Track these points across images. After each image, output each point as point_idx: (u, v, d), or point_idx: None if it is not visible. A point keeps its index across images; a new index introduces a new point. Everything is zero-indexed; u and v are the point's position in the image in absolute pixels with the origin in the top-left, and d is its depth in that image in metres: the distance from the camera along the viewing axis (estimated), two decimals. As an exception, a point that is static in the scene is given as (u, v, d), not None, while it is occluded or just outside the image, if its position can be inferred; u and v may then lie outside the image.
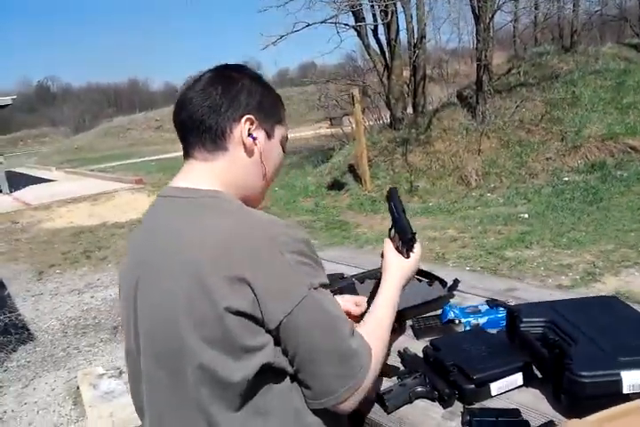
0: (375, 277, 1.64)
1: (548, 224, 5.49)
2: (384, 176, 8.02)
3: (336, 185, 8.41)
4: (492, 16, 8.05)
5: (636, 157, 7.11)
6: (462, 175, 7.53)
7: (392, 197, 1.15)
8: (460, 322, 1.30)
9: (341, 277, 1.61)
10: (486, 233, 5.46)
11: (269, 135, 0.99)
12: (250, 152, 0.96)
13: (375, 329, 0.95)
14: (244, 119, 0.94)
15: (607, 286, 3.94)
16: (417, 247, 1.09)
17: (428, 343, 1.18)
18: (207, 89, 0.94)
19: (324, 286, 0.86)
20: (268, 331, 0.81)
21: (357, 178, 8.16)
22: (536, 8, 10.04)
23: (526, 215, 5.89)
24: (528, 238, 5.07)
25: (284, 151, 1.04)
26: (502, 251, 4.85)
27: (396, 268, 1.07)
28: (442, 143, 8.09)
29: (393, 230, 1.12)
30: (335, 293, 1.51)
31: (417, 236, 1.08)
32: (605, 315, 1.14)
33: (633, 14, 12.82)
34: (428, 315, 1.36)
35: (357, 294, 1.47)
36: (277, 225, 0.86)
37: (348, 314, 1.25)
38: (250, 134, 0.95)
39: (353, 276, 1.62)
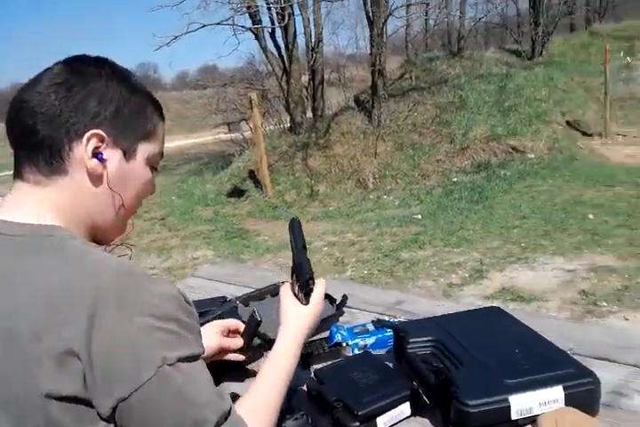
0: (260, 298, 1.53)
1: (439, 224, 5.70)
2: (285, 181, 7.95)
3: (236, 192, 8.20)
4: (385, 21, 8.28)
5: (517, 157, 7.63)
6: (360, 178, 7.66)
7: (292, 229, 0.99)
8: (347, 345, 1.23)
9: (223, 300, 1.48)
10: (383, 235, 5.55)
11: (128, 155, 0.76)
12: (95, 178, 0.74)
13: (258, 408, 0.76)
14: (87, 135, 0.72)
15: (493, 282, 4.13)
16: (317, 291, 0.93)
17: (313, 375, 1.09)
18: (47, 90, 0.72)
19: (189, 358, 0.65)
20: (103, 419, 0.62)
21: (258, 184, 8.01)
22: (426, 14, 10.50)
23: (419, 216, 6.08)
24: (421, 239, 5.22)
25: (153, 170, 0.83)
26: (398, 253, 4.95)
27: (293, 317, 0.90)
28: (340, 147, 8.18)
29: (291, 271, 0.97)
30: (215, 319, 1.38)
31: (316, 276, 0.94)
32: (490, 329, 1.12)
33: (513, 22, 13.85)
34: (313, 339, 1.27)
35: (239, 319, 1.35)
36: (129, 276, 0.66)
37: (225, 351, 1.13)
38: (96, 154, 0.73)
39: (237, 298, 1.49)
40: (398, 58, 12.65)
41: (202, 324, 1.33)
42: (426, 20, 11.55)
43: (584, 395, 0.88)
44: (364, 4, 8.38)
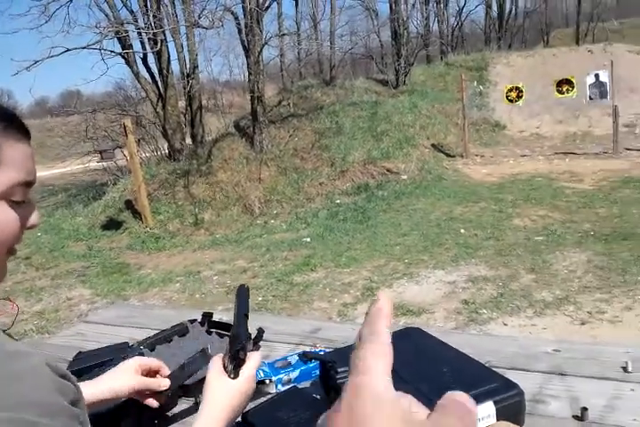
0: (167, 340, 1.42)
1: (328, 246, 5.82)
2: (166, 210, 7.63)
3: (112, 224, 7.67)
4: (261, 50, 8.42)
5: (392, 178, 8.09)
6: (246, 204, 7.60)
7: (239, 296, 0.92)
8: (271, 381, 1.17)
9: (125, 347, 1.35)
10: (274, 260, 5.53)
11: None
12: None
13: None
14: None
15: (384, 299, 4.29)
16: (249, 364, 0.82)
17: (240, 418, 1.02)
18: None
19: None
20: None
21: (137, 214, 7.58)
22: (299, 44, 10.87)
23: (308, 239, 6.16)
24: (312, 262, 5.28)
25: (14, 204, 0.66)
26: (291, 276, 4.95)
27: (216, 393, 0.78)
28: (224, 173, 8.08)
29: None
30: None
31: (251, 346, 0.86)
32: (415, 351, 1.13)
33: (377, 53, 14.85)
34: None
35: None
36: None
37: (142, 392, 1.00)
38: None
39: (140, 343, 1.37)
40: (274, 85, 12.92)
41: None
42: (299, 50, 11.97)
43: (513, 407, 0.92)
44: (239, 32, 8.47)
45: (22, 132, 0.66)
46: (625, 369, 1.11)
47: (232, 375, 0.80)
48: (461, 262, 4.85)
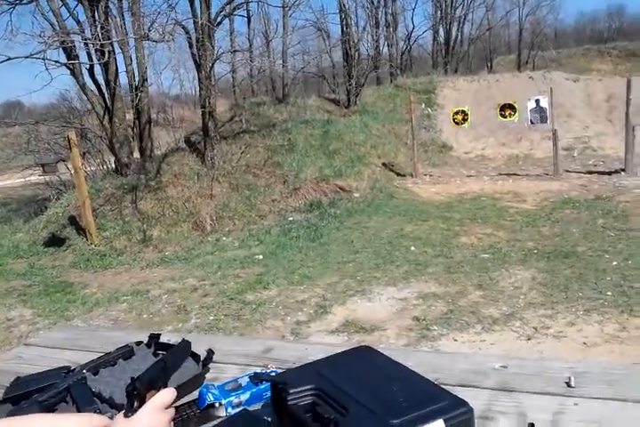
0: (112, 363, 1.36)
1: (281, 263, 5.79)
2: (113, 227, 7.38)
3: (55, 241, 7.34)
4: (213, 65, 8.39)
5: (345, 196, 8.18)
6: (197, 221, 7.46)
7: (177, 348, 0.92)
8: (220, 404, 1.14)
9: (67, 371, 1.28)
10: (226, 278, 5.44)
11: None
12: None
13: None
14: None
15: (337, 316, 4.29)
16: (149, 403, 0.75)
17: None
18: None
19: None
20: None
21: (81, 231, 7.30)
22: (251, 61, 10.91)
23: (261, 256, 6.11)
24: (265, 279, 5.23)
25: None
26: (243, 295, 4.88)
27: None
28: (174, 189, 7.92)
29: None
30: (58, 395, 1.19)
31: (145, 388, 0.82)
32: (365, 370, 1.13)
33: (329, 73, 15.10)
34: (181, 402, 1.16)
35: (90, 391, 1.18)
36: None
37: None
38: None
39: (83, 366, 1.30)
40: (226, 101, 12.88)
41: (44, 400, 1.13)
42: (251, 67, 12.01)
43: (463, 425, 0.92)
44: (190, 46, 8.42)
45: None
46: (568, 384, 1.14)
47: (129, 414, 0.73)
48: (412, 279, 4.93)
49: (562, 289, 4.34)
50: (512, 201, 7.72)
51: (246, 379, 1.21)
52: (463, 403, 0.96)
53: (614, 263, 4.78)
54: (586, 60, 23.62)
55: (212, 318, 4.37)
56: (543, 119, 9.11)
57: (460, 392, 1.07)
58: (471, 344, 3.57)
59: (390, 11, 18.30)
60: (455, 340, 3.66)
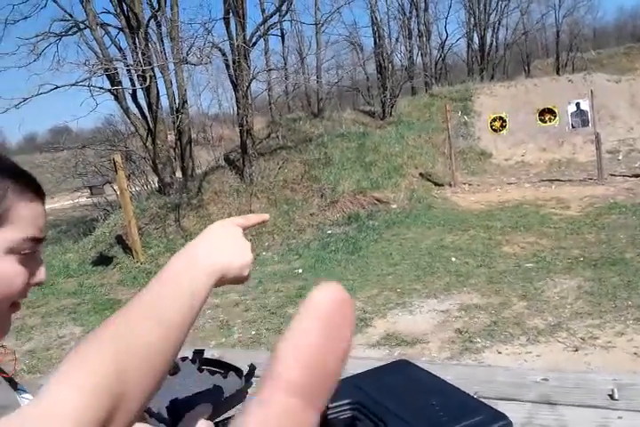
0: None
1: (320, 276, 5.81)
2: (157, 245, 7.61)
3: (103, 260, 7.63)
4: (249, 85, 8.60)
5: (382, 208, 8.16)
6: (237, 236, 7.59)
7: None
8: (263, 418, 1.17)
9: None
10: (267, 293, 5.51)
11: None
12: None
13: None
14: None
15: (377, 329, 4.27)
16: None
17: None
18: None
19: None
20: None
21: (127, 249, 7.55)
22: (286, 78, 11.13)
23: (300, 270, 6.16)
24: (305, 293, 5.21)
25: (27, 257, 0.69)
26: (284, 309, 4.93)
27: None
28: (214, 206, 8.11)
29: None
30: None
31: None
32: (404, 383, 1.14)
33: (363, 86, 15.21)
34: (223, 417, 1.19)
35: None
36: None
37: None
38: None
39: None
40: (263, 118, 13.14)
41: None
42: (286, 84, 12.24)
43: (502, 438, 0.93)
44: (227, 67, 8.67)
45: (37, 192, 0.73)
46: (611, 397, 1.12)
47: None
48: (453, 291, 4.86)
49: (610, 298, 4.20)
50: (555, 208, 7.52)
51: (287, 393, 1.24)
52: (502, 416, 0.97)
53: (666, 270, 4.60)
54: (628, 59, 22.92)
55: (253, 332, 4.43)
56: (585, 123, 8.88)
57: (500, 406, 1.07)
58: (516, 356, 3.49)
59: (422, 20, 18.30)
60: (499, 352, 3.59)
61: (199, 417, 0.86)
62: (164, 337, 0.51)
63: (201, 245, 0.63)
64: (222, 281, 0.64)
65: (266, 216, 0.79)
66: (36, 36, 8.90)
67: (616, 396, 1.12)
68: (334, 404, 1.08)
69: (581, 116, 8.89)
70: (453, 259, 5.75)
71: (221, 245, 0.65)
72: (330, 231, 7.59)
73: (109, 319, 0.49)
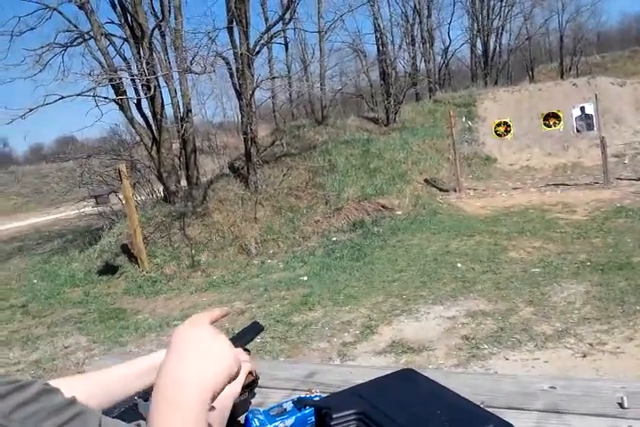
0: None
1: (326, 284, 5.79)
2: (162, 253, 7.61)
3: (109, 269, 7.63)
4: (253, 93, 8.63)
5: (387, 214, 8.14)
6: (242, 244, 7.60)
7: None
8: (266, 429, 1.16)
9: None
10: (272, 300, 5.49)
11: None
12: None
13: None
14: None
15: (383, 336, 4.24)
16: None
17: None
18: None
19: None
20: None
21: (133, 258, 7.56)
22: (290, 86, 11.17)
23: (306, 278, 6.13)
24: (310, 300, 5.24)
25: None
26: (289, 317, 4.91)
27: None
28: (219, 214, 8.12)
29: None
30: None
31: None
32: (408, 393, 1.12)
33: (367, 92, 15.23)
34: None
35: (141, 417, 1.22)
36: None
37: None
38: None
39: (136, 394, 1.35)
40: (267, 126, 13.19)
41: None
42: (290, 91, 12.29)
43: (508, 449, 0.91)
44: (231, 76, 8.71)
45: None
46: (621, 405, 1.10)
47: None
48: (460, 297, 4.83)
49: (618, 303, 4.15)
50: (561, 212, 7.48)
51: (291, 404, 1.23)
52: (508, 426, 0.95)
53: (675, 274, 4.54)
54: (633, 62, 22.90)
55: (259, 340, 4.40)
56: (590, 126, 8.86)
57: (507, 415, 1.06)
58: (524, 363, 3.45)
59: (426, 27, 18.36)
60: (507, 358, 3.55)
61: None
62: None
63: (189, 370, 0.57)
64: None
65: (227, 309, 0.77)
66: (42, 47, 8.98)
67: (625, 404, 1.09)
68: (338, 414, 1.07)
69: (586, 120, 8.86)
70: (459, 265, 5.72)
71: (204, 362, 0.59)
72: (335, 238, 7.57)
73: None
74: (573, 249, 5.73)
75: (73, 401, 0.52)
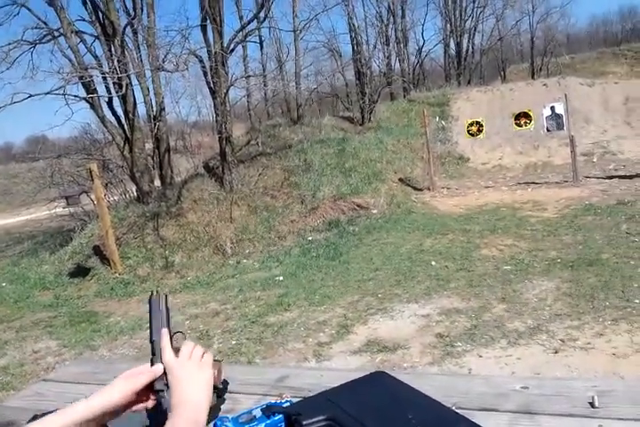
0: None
1: (302, 283, 5.76)
2: (136, 254, 7.47)
3: (80, 271, 7.46)
4: (227, 91, 8.55)
5: (363, 213, 8.16)
6: (217, 244, 7.52)
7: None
8: (235, 437, 1.13)
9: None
10: (247, 301, 5.44)
11: None
12: None
13: None
14: None
15: (359, 335, 4.24)
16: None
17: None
18: None
19: None
20: None
21: (105, 260, 7.40)
22: (265, 85, 11.10)
23: (281, 277, 6.10)
24: (286, 301, 5.21)
25: None
26: (265, 317, 4.87)
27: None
28: (194, 214, 8.02)
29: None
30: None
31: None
32: (379, 397, 1.11)
33: (342, 92, 15.25)
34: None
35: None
36: None
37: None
38: None
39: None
40: (243, 125, 13.08)
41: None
42: (265, 90, 12.21)
43: (479, 452, 0.90)
44: (205, 74, 8.61)
45: None
46: (592, 405, 1.11)
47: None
48: (434, 295, 4.86)
49: (588, 299, 4.23)
50: (532, 210, 7.60)
51: (259, 411, 1.20)
52: (478, 429, 0.94)
53: (642, 270, 4.65)
54: (601, 63, 23.41)
55: (234, 342, 4.36)
56: (560, 126, 9.02)
57: (479, 417, 1.05)
58: (497, 360, 3.49)
59: (400, 27, 18.47)
60: (480, 356, 3.58)
61: None
62: None
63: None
64: None
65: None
66: (9, 44, 8.71)
67: (596, 403, 1.10)
68: (308, 421, 1.05)
69: (556, 120, 9.02)
70: (433, 263, 5.76)
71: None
72: (310, 238, 7.55)
73: None
74: (544, 246, 5.82)
75: None
